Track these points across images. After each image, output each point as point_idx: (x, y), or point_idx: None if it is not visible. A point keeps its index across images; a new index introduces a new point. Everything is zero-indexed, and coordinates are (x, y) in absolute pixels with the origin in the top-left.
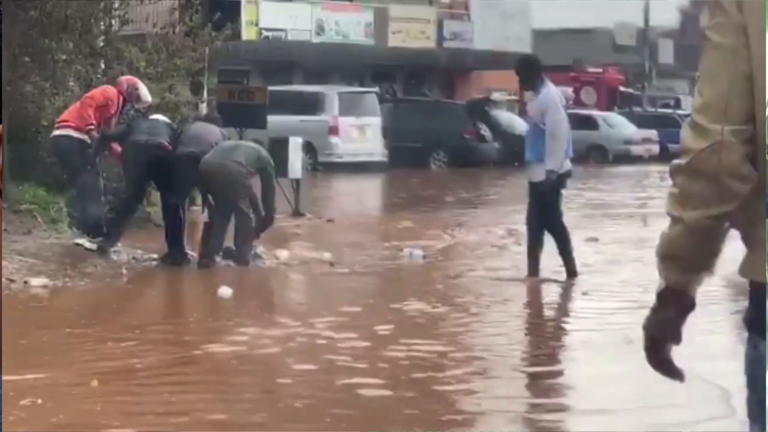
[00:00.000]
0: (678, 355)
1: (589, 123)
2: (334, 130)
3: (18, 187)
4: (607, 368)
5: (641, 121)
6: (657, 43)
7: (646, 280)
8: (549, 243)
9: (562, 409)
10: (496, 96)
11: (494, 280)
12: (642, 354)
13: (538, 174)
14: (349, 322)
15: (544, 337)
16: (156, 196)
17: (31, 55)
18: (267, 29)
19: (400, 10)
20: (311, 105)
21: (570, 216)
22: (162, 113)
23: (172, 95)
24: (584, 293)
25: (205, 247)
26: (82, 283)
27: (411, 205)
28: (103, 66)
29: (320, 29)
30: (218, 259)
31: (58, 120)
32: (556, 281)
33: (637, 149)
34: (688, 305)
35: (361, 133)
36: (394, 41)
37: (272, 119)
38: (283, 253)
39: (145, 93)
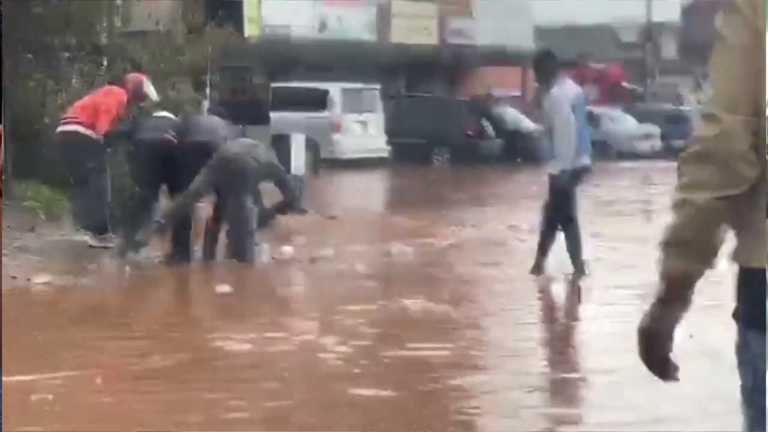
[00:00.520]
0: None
1: (591, 119)
2: (336, 127)
3: (21, 184)
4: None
5: (644, 117)
6: (660, 40)
7: (649, 279)
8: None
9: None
10: (498, 92)
11: (495, 276)
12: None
13: (553, 169)
14: (350, 319)
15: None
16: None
17: (34, 52)
18: (269, 26)
19: (403, 7)
20: (314, 102)
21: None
22: (165, 111)
23: (175, 93)
24: (588, 289)
25: (207, 243)
26: (85, 280)
27: (413, 202)
28: (105, 63)
29: (323, 26)
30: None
31: (64, 116)
32: (561, 277)
33: (639, 145)
34: (688, 299)
35: (363, 129)
36: (396, 38)
37: (275, 116)
38: (286, 250)
39: (151, 91)
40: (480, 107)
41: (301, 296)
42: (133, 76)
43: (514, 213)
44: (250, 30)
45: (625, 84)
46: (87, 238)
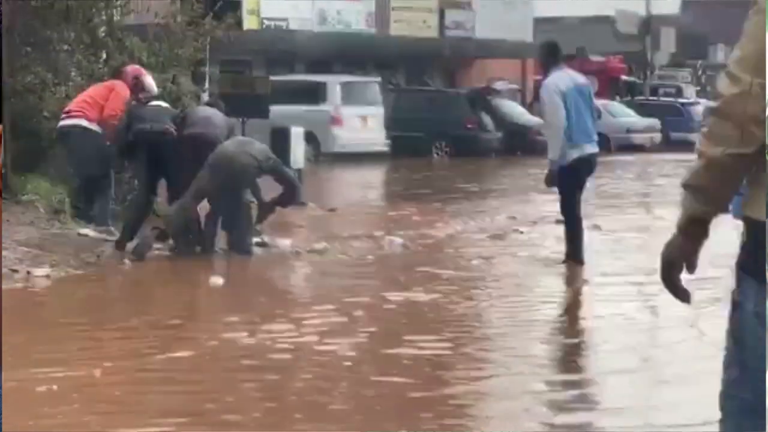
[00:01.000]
0: None
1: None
2: (336, 120)
3: (19, 177)
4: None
5: (643, 110)
6: (659, 32)
7: (650, 268)
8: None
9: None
10: (498, 85)
11: (495, 267)
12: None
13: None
14: (352, 312)
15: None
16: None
17: (33, 46)
18: (268, 19)
19: (402, 0)
20: (313, 95)
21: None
22: (161, 101)
23: (174, 86)
24: (585, 280)
25: (205, 236)
26: (85, 273)
27: (413, 194)
28: (104, 56)
29: (322, 19)
30: (217, 248)
31: (66, 110)
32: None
33: (639, 138)
34: (704, 234)
35: (363, 122)
36: (395, 30)
37: (274, 109)
38: (285, 243)
39: (149, 83)
40: (479, 100)
41: (298, 288)
42: (131, 68)
43: (514, 205)
44: (249, 23)
45: (624, 77)
46: (88, 230)
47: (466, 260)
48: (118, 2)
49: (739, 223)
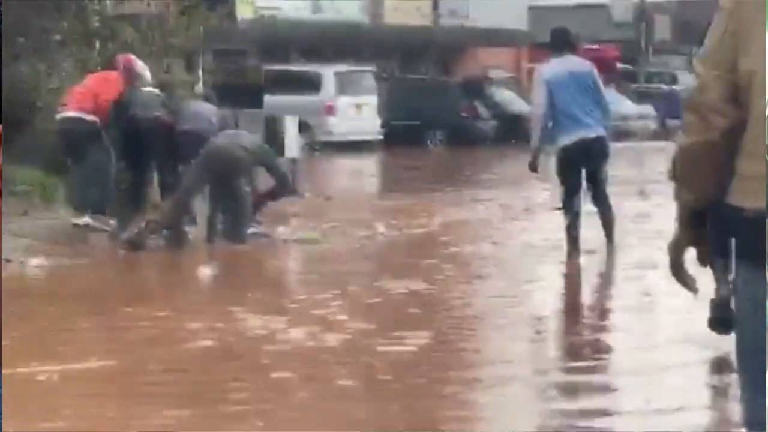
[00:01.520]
0: None
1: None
2: (330, 110)
3: (14, 168)
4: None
5: (638, 98)
6: (653, 20)
7: (643, 256)
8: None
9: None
10: (492, 73)
11: (489, 254)
12: None
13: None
14: (351, 302)
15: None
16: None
17: (26, 36)
18: (262, 8)
19: None
20: (307, 84)
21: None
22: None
23: (168, 75)
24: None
25: (208, 227)
26: (79, 263)
27: (407, 183)
28: (97, 46)
29: (316, 8)
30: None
31: (63, 103)
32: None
33: (634, 125)
34: (701, 223)
35: (357, 111)
36: (390, 19)
37: (268, 99)
38: (281, 231)
39: (141, 71)
40: (474, 88)
41: (292, 276)
42: (124, 58)
43: (508, 193)
44: (243, 12)
45: (619, 64)
46: (85, 219)
47: (461, 248)
48: None
49: None
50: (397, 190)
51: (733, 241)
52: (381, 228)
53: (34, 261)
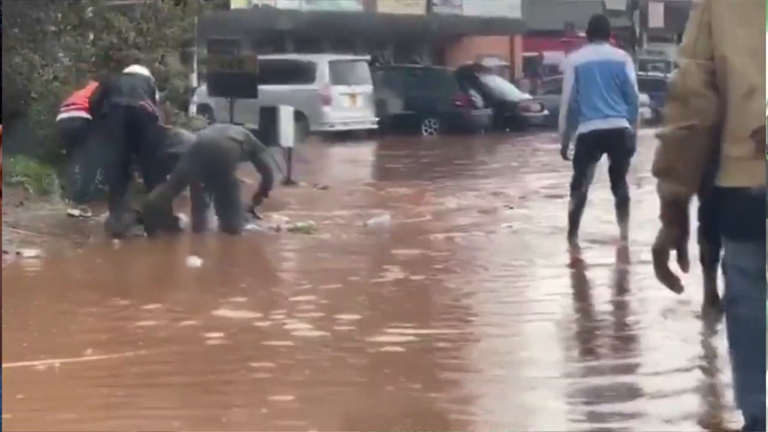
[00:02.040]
0: None
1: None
2: (325, 99)
3: (9, 159)
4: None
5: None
6: (647, 7)
7: (639, 242)
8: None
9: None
10: (486, 62)
11: (484, 241)
12: None
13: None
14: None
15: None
16: None
17: (20, 27)
18: None
19: None
20: (302, 74)
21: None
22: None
23: (162, 65)
24: (575, 255)
25: (196, 216)
26: (74, 253)
27: (402, 172)
28: (92, 37)
29: None
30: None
31: (65, 103)
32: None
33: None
34: (683, 218)
35: (352, 101)
36: (383, 8)
37: (263, 89)
38: (276, 220)
39: None
40: (468, 77)
41: (285, 267)
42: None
43: (503, 181)
44: (237, 2)
45: None
46: (77, 211)
47: (455, 237)
48: None
49: None
50: (392, 179)
51: (729, 221)
52: (376, 217)
53: (30, 252)
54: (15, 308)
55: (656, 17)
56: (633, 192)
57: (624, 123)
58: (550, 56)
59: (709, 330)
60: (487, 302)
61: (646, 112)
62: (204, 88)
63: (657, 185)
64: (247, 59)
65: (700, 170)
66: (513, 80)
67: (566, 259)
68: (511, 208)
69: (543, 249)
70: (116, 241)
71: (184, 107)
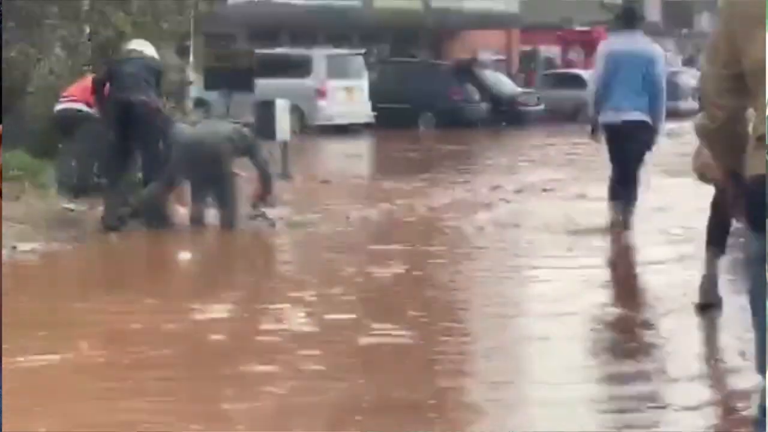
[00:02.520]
0: None
1: (576, 82)
2: (321, 93)
3: (5, 153)
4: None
5: None
6: (644, 2)
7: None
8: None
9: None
10: (483, 56)
11: (481, 235)
12: None
13: None
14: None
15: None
16: None
17: (16, 21)
18: None
19: None
20: (298, 68)
21: (559, 173)
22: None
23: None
24: (569, 249)
25: (194, 210)
26: (70, 247)
27: (399, 166)
28: (88, 31)
29: None
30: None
31: (64, 95)
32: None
33: None
34: (741, 183)
35: (348, 95)
36: (380, 2)
37: (259, 82)
38: (276, 214)
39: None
40: (465, 71)
41: (280, 263)
42: None
43: (499, 175)
44: None
45: None
46: (72, 205)
47: (453, 231)
48: None
49: None
50: (389, 174)
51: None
52: (376, 211)
53: (26, 246)
54: (10, 303)
55: (653, 12)
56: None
57: (639, 116)
58: (546, 51)
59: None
60: (480, 297)
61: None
62: (200, 81)
63: (716, 163)
64: (243, 53)
65: (739, 154)
66: (510, 74)
67: (560, 253)
68: (508, 202)
69: (538, 242)
70: (112, 235)
71: (181, 101)
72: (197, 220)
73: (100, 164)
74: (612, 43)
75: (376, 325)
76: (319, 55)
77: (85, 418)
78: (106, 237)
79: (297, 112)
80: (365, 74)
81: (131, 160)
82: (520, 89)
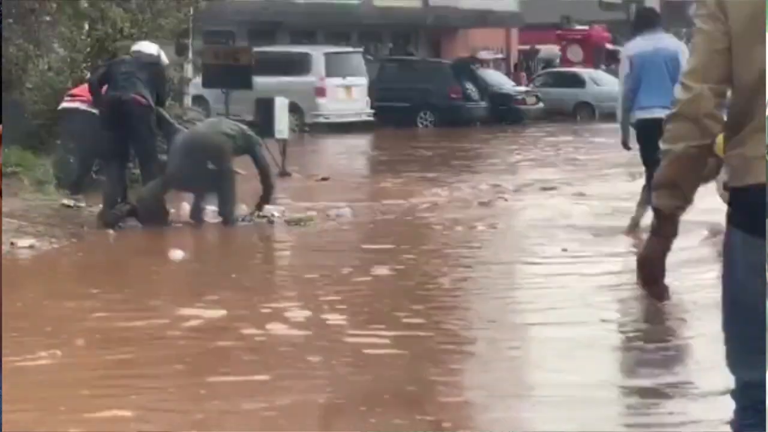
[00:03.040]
0: None
1: (575, 81)
2: (320, 91)
3: (3, 149)
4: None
5: None
6: (643, 1)
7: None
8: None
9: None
10: (482, 54)
11: (481, 234)
12: None
13: None
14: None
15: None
16: None
17: (15, 17)
18: None
19: None
20: (297, 65)
21: (557, 172)
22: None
23: None
24: (564, 249)
25: (192, 209)
26: (69, 244)
27: (398, 164)
28: (87, 27)
29: None
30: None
31: (70, 93)
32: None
33: None
34: (675, 232)
35: (347, 93)
36: (380, 0)
37: (258, 80)
38: (278, 210)
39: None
40: (464, 70)
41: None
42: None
43: (498, 174)
44: None
45: (609, 45)
46: (71, 201)
47: (451, 228)
48: None
49: None
50: (388, 172)
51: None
52: (373, 209)
53: (25, 242)
54: (8, 300)
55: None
56: (631, 184)
57: (662, 114)
58: (545, 50)
59: None
60: (480, 296)
61: None
62: (199, 79)
63: (655, 198)
64: (242, 51)
65: (698, 185)
66: (509, 73)
67: (558, 251)
68: (506, 200)
69: (536, 240)
70: (110, 232)
71: (179, 98)
72: (195, 218)
73: (99, 161)
74: (634, 46)
75: (368, 327)
76: (318, 52)
77: (80, 416)
78: (103, 234)
79: (296, 110)
80: (364, 72)
81: (128, 157)
82: (519, 88)
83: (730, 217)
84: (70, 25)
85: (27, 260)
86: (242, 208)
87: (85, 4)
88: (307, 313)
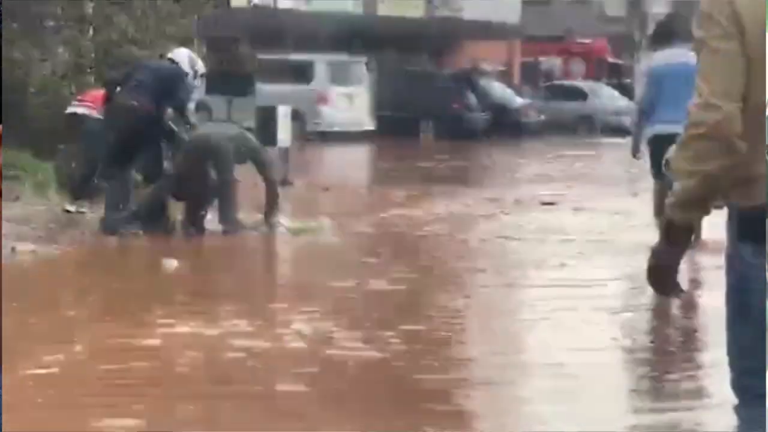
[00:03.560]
0: None
1: (577, 94)
2: (322, 99)
3: (5, 153)
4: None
5: (630, 92)
6: (647, 14)
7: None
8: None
9: None
10: (484, 66)
11: (479, 247)
12: None
13: None
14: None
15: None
16: None
17: (19, 21)
18: None
19: None
20: (300, 74)
21: (557, 186)
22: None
23: None
24: (562, 264)
25: (194, 216)
26: (70, 249)
27: (399, 175)
28: (91, 32)
29: None
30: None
31: (79, 97)
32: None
33: (626, 120)
34: (689, 240)
35: (349, 102)
36: (383, 10)
37: (261, 88)
38: (276, 220)
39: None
40: (466, 81)
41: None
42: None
43: (499, 186)
44: (237, 1)
45: (611, 59)
46: (73, 207)
47: (450, 242)
48: None
49: None
50: (389, 182)
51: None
52: (374, 220)
53: (26, 246)
54: (8, 306)
55: (655, 24)
56: (632, 199)
57: (680, 128)
58: (547, 62)
59: None
60: (481, 311)
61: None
62: (202, 86)
63: (680, 212)
64: (246, 58)
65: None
66: (511, 85)
67: (557, 266)
68: (507, 213)
69: (534, 253)
70: (112, 238)
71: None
72: (197, 225)
73: (102, 167)
74: (655, 59)
75: (366, 339)
76: (321, 61)
77: (81, 424)
78: (105, 240)
79: (298, 118)
80: (367, 81)
81: (132, 163)
82: (521, 100)
83: (737, 232)
84: (75, 29)
85: (29, 265)
86: (255, 217)
87: (90, 10)
88: (305, 325)
